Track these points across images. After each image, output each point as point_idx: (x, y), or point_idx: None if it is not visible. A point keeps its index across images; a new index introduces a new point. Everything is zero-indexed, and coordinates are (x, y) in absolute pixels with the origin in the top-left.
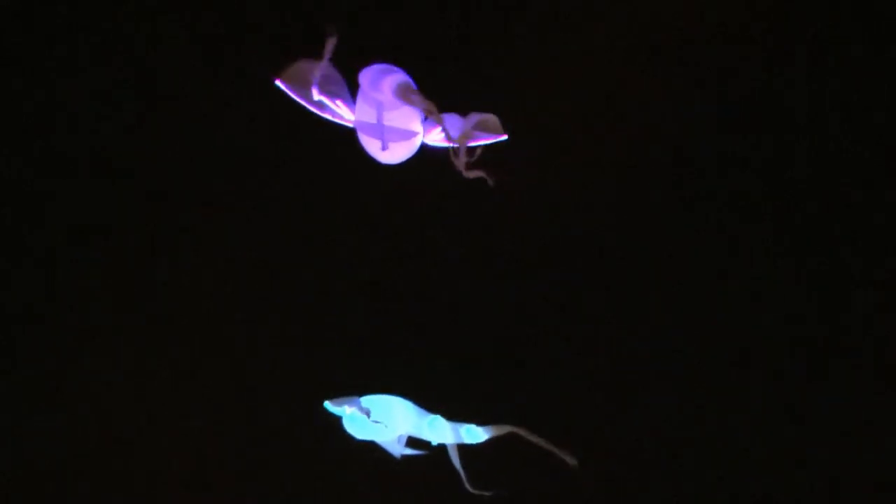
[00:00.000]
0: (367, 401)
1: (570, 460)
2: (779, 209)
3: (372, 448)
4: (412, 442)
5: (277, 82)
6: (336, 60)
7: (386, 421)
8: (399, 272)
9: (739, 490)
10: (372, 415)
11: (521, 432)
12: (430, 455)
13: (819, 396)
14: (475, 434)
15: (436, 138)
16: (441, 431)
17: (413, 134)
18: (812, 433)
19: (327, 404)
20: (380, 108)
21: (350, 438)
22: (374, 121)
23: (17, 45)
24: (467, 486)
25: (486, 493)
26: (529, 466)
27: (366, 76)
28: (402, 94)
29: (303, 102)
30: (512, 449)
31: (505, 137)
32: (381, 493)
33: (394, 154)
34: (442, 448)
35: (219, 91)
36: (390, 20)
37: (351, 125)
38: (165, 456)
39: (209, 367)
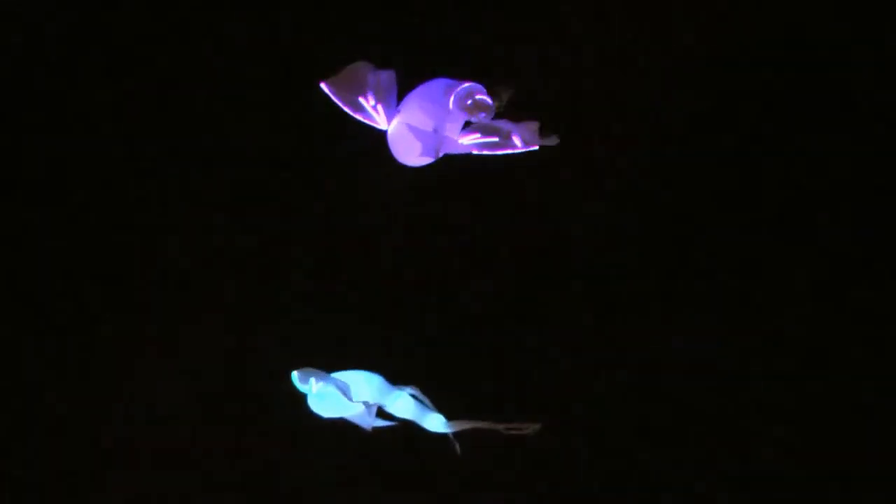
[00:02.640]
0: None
1: (530, 429)
2: (778, 208)
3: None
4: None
5: (322, 85)
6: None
7: (354, 397)
8: (403, 267)
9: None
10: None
11: (481, 424)
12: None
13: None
14: (437, 423)
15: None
16: (404, 409)
17: (466, 148)
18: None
19: (294, 375)
20: (443, 118)
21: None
22: (421, 125)
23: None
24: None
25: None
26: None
27: (448, 88)
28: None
29: (341, 105)
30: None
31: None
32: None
33: (420, 158)
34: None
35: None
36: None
37: (383, 129)
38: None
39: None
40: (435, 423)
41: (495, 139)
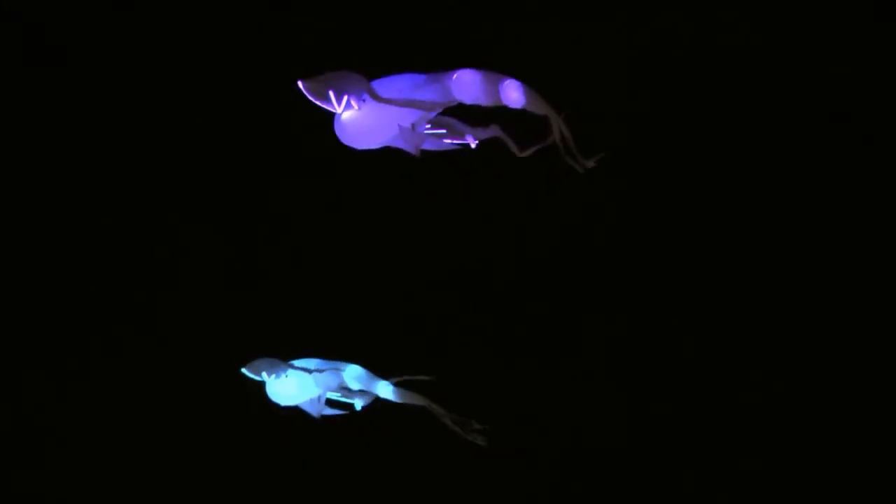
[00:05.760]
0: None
1: (480, 441)
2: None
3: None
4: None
5: (299, 83)
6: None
7: (307, 384)
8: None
9: None
10: (287, 378)
11: (434, 409)
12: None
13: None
14: (388, 391)
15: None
16: (354, 380)
17: (438, 144)
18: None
19: (245, 370)
20: (419, 114)
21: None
22: (396, 118)
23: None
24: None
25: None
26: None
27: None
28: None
29: (308, 94)
30: None
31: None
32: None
33: (371, 141)
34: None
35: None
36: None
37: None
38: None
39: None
40: (384, 391)
41: (443, 131)
